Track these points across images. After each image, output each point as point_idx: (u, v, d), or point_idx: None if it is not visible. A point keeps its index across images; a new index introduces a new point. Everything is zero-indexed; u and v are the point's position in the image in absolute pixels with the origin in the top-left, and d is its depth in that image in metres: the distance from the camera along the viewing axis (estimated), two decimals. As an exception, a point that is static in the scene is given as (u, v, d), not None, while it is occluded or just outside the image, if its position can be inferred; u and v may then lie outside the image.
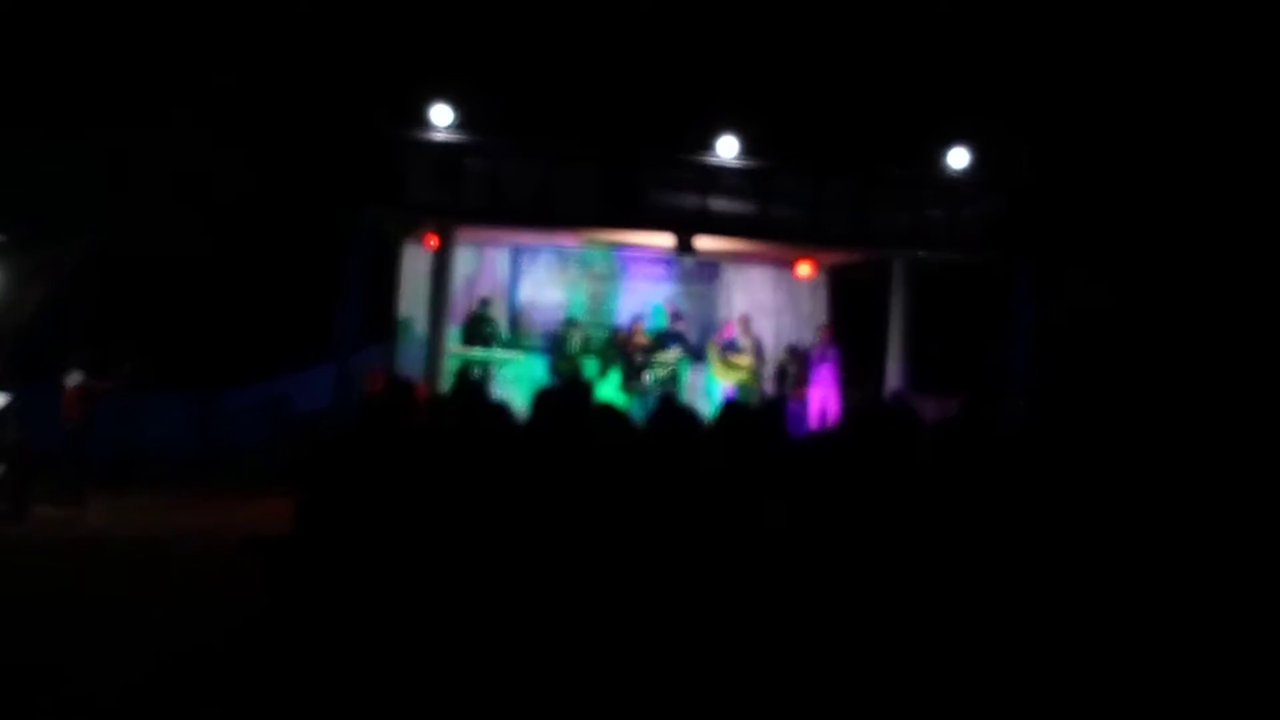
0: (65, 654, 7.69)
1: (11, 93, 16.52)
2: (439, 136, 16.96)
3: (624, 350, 17.93)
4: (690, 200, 17.52)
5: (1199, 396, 15.80)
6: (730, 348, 18.18)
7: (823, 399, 17.70)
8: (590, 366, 17.90)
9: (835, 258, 19.50)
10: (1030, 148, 17.96)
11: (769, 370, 18.35)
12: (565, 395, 6.51)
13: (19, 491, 13.29)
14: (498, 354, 18.03)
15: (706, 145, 17.56)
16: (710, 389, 18.38)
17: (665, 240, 17.70)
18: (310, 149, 18.16)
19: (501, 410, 6.52)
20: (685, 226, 17.32)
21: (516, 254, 19.67)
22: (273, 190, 18.18)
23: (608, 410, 6.68)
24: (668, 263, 19.69)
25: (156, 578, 10.28)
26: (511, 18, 19.29)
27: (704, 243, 17.61)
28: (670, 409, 6.33)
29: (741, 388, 17.83)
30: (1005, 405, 16.51)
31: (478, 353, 17.65)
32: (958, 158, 17.86)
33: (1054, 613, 5.02)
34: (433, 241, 17.40)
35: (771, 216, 17.64)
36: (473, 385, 6.96)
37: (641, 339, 18.00)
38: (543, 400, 6.50)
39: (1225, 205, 17.88)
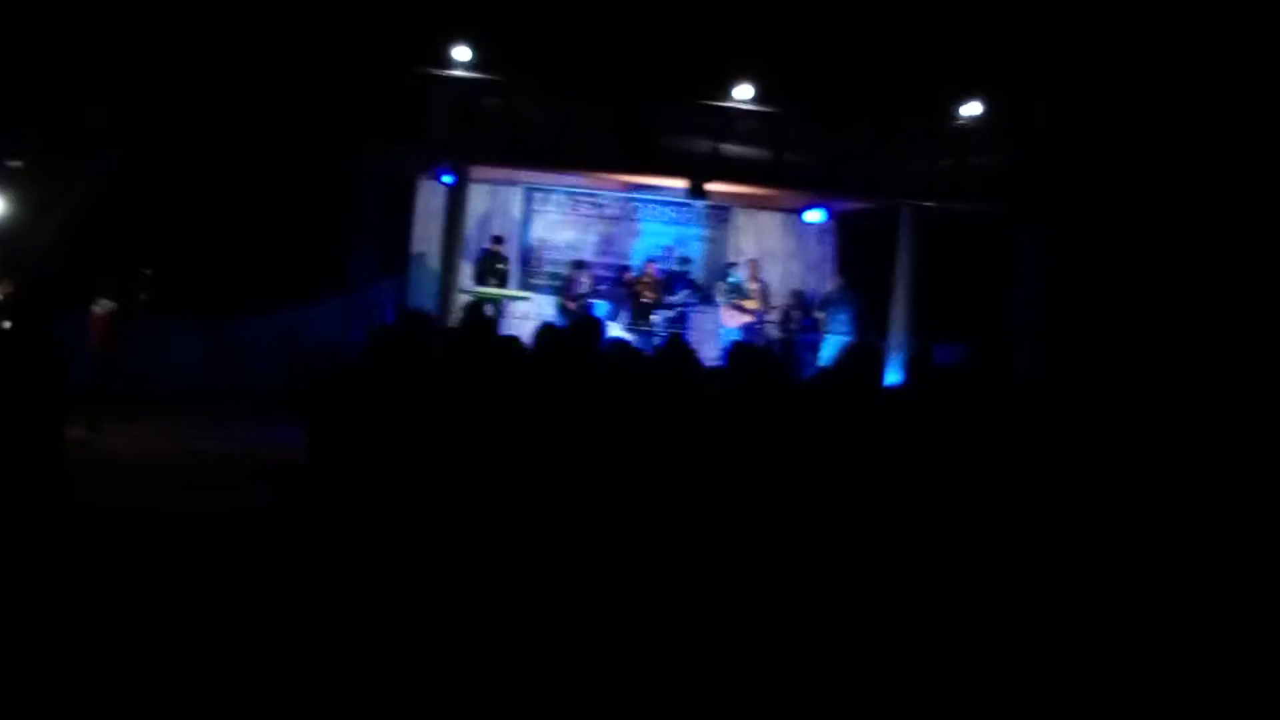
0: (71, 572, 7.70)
1: (28, 23, 16.59)
2: (457, 74, 17.04)
3: (632, 291, 18.08)
4: (703, 144, 17.58)
5: (1208, 356, 15.82)
6: (735, 291, 18.35)
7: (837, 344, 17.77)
8: (600, 307, 18.10)
9: (845, 204, 19.62)
10: (1043, 98, 17.97)
11: (775, 315, 18.47)
12: (575, 332, 6.63)
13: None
14: (509, 292, 18.18)
15: (721, 90, 17.63)
16: (719, 331, 18.45)
17: (678, 183, 17.79)
18: (328, 83, 18.21)
19: (511, 344, 6.62)
20: (698, 171, 17.41)
21: (530, 193, 19.79)
22: (289, 122, 18.25)
23: (621, 344, 6.81)
24: (679, 205, 19.82)
25: (168, 499, 10.52)
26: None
27: (715, 187, 17.75)
28: (676, 346, 6.46)
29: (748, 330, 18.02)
30: (1012, 355, 16.37)
31: (489, 290, 17.70)
32: (970, 107, 17.99)
33: (1047, 569, 5.15)
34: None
35: (784, 162, 17.69)
36: (483, 320, 7.02)
37: (651, 281, 18.13)
38: (551, 336, 6.62)
39: (1240, 167, 17.89)
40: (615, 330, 17.23)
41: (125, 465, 12.38)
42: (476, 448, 5.39)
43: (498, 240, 18.66)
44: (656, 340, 17.23)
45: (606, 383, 5.96)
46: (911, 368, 6.74)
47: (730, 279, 18.61)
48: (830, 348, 17.72)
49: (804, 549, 5.08)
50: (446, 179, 17.77)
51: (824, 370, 15.18)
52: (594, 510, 5.23)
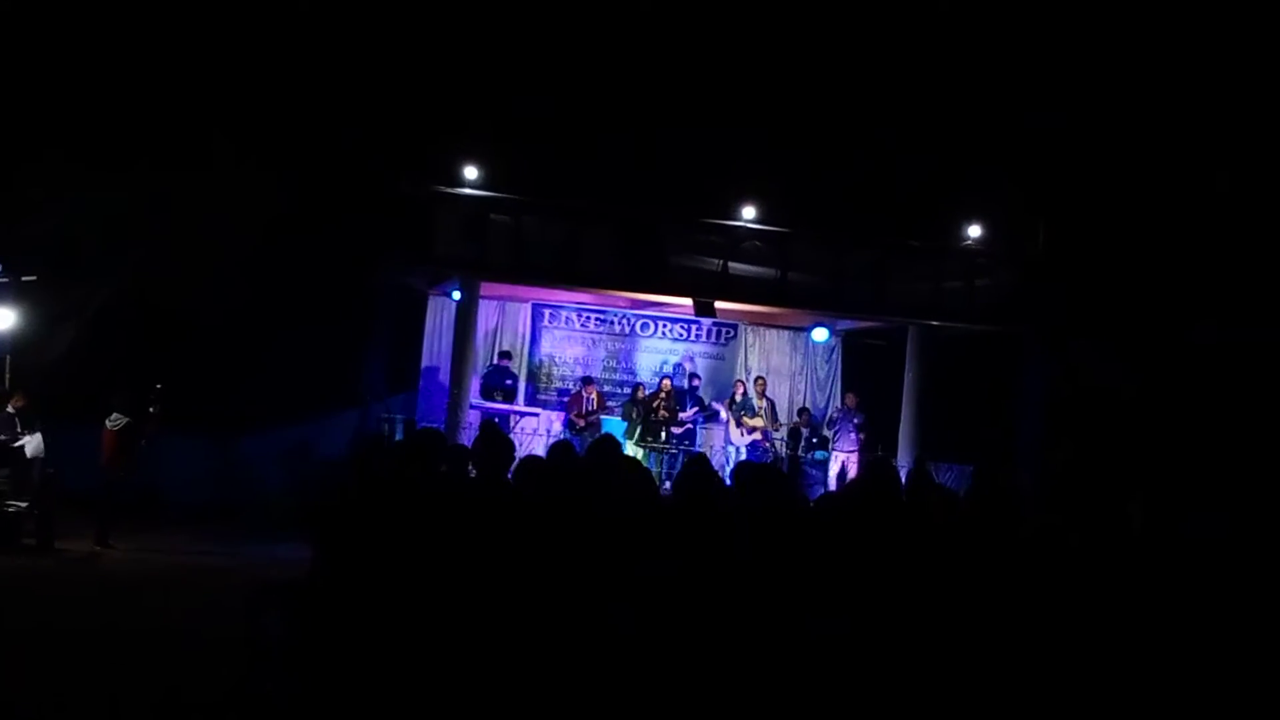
0: (74, 688, 7.82)
1: (42, 133, 16.77)
2: (465, 192, 17.26)
3: (648, 407, 18.06)
4: (710, 263, 17.71)
5: (1205, 478, 15.82)
6: (744, 408, 18.37)
7: (844, 462, 17.99)
8: (609, 424, 18.12)
9: (852, 324, 19.83)
10: (1044, 224, 18.22)
11: (783, 432, 18.47)
12: (596, 450, 6.65)
13: (43, 526, 13.55)
14: (517, 408, 18.28)
15: (727, 209, 17.84)
16: (727, 448, 18.52)
17: (685, 301, 17.97)
18: (339, 199, 18.40)
19: (531, 463, 6.61)
20: (705, 289, 17.60)
21: (538, 310, 19.97)
22: (300, 238, 18.40)
23: (635, 464, 6.82)
24: (687, 323, 19.97)
25: (172, 618, 10.44)
26: (540, 79, 19.63)
27: (723, 305, 17.91)
28: (695, 466, 6.47)
29: (756, 447, 18.03)
30: (1012, 476, 16.49)
31: (497, 406, 17.81)
32: (974, 231, 18.20)
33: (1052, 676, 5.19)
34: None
35: (790, 282, 17.85)
36: (500, 438, 6.97)
37: (668, 399, 18.12)
38: (565, 455, 6.64)
39: (1237, 287, 18.06)
40: (627, 447, 17.13)
41: (132, 581, 12.28)
42: (487, 567, 5.40)
43: (505, 355, 18.81)
44: (665, 456, 17.45)
45: (622, 499, 5.97)
46: (910, 484, 6.76)
47: (738, 396, 18.66)
48: (836, 464, 17.97)
49: (816, 659, 5.12)
50: (455, 295, 17.91)
51: (846, 486, 15.21)
52: (604, 635, 5.24)
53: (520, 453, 6.79)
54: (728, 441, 18.56)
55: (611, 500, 5.93)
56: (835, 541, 5.63)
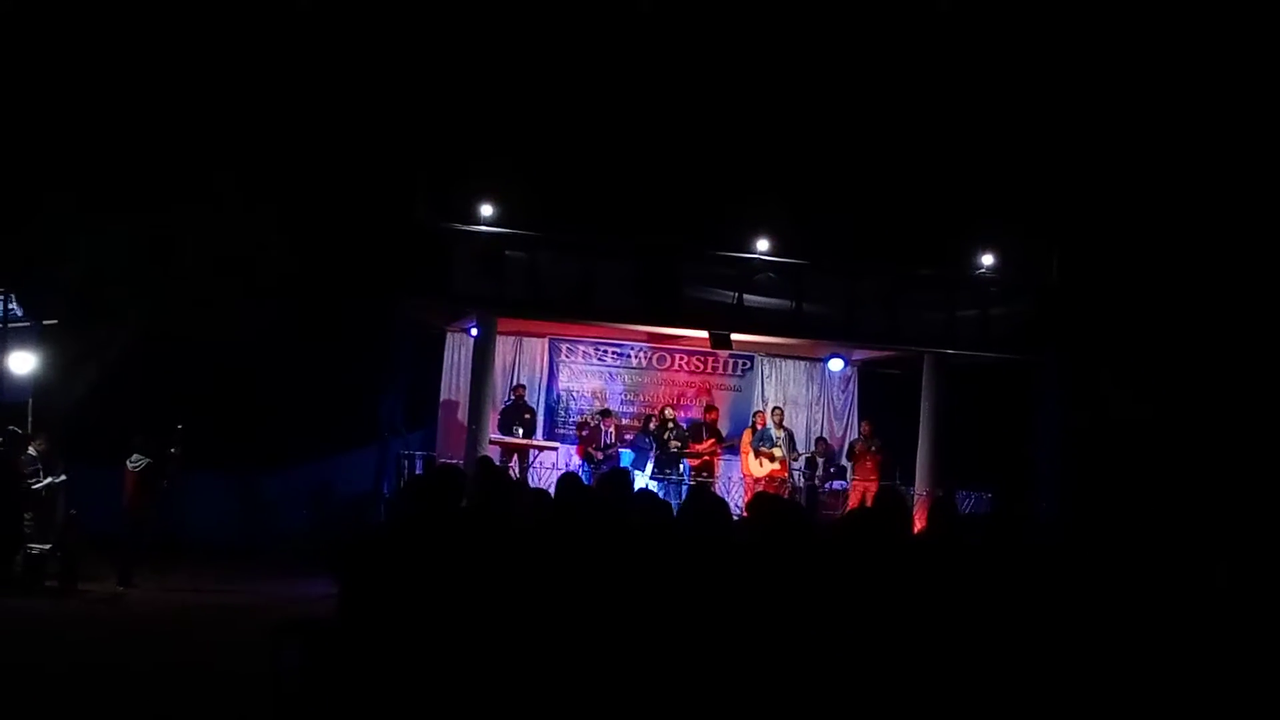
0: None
1: (61, 176, 16.89)
2: (482, 229, 17.34)
3: (659, 438, 18.06)
4: (725, 295, 17.76)
5: (1223, 505, 15.79)
6: (763, 440, 18.37)
7: (864, 490, 17.81)
8: (626, 457, 18.14)
9: (867, 354, 19.85)
10: (1059, 251, 18.27)
11: (800, 462, 18.48)
12: (608, 481, 6.69)
13: (66, 568, 13.66)
14: (536, 442, 18.25)
15: (742, 242, 17.92)
16: (745, 479, 18.45)
17: (701, 334, 18.04)
18: (356, 238, 18.48)
19: (538, 497, 6.68)
20: (721, 321, 17.65)
21: (555, 344, 19.99)
22: (318, 277, 18.49)
23: (647, 495, 6.87)
24: (703, 355, 20.01)
25: (195, 657, 10.46)
26: (554, 114, 19.76)
27: (739, 337, 17.98)
28: (703, 496, 6.50)
29: (772, 480, 17.98)
30: (1030, 503, 16.59)
31: (515, 440, 17.78)
32: (988, 259, 18.28)
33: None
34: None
35: (806, 312, 17.91)
36: (499, 473, 7.02)
37: (675, 428, 18.15)
38: (572, 484, 6.69)
39: (1256, 314, 18.07)
40: (642, 479, 17.09)
41: (154, 620, 12.39)
42: (511, 603, 5.43)
43: (519, 389, 18.82)
44: (682, 489, 17.33)
45: (633, 534, 6.01)
46: (933, 514, 6.79)
47: (758, 427, 18.62)
48: (856, 494, 17.89)
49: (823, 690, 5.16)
50: (473, 332, 18.02)
51: (850, 515, 15.16)
52: (629, 671, 5.28)
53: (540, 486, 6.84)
54: (744, 473, 18.54)
55: (625, 526, 5.97)
56: (844, 564, 5.67)
